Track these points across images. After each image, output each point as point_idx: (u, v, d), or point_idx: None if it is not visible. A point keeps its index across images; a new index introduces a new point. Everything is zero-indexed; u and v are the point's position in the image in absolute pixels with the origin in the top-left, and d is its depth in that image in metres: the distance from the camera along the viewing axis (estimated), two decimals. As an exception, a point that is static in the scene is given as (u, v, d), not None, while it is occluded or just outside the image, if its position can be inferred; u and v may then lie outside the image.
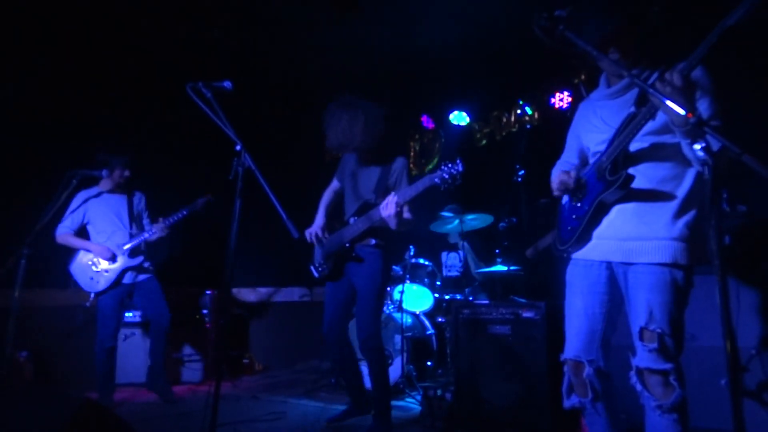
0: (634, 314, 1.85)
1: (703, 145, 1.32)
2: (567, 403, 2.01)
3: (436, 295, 4.83)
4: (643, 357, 1.79)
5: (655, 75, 1.84)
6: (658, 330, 1.76)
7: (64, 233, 4.06)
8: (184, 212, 4.15)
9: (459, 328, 3.37)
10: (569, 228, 2.02)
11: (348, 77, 5.96)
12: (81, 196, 4.11)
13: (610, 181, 1.84)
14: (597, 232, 1.96)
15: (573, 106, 5.23)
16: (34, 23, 4.53)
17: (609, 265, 1.95)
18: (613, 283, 1.96)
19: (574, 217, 2.01)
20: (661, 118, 1.76)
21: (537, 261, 4.00)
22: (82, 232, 4.16)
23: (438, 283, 4.96)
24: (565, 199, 2.12)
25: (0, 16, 4.32)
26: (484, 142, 6.05)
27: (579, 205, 2.00)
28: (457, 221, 4.78)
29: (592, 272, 1.97)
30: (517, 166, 4.70)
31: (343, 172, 3.42)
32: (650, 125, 1.77)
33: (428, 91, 6.30)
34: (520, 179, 4.67)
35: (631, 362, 1.84)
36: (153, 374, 4.15)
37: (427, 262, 4.92)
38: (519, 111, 5.67)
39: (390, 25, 5.09)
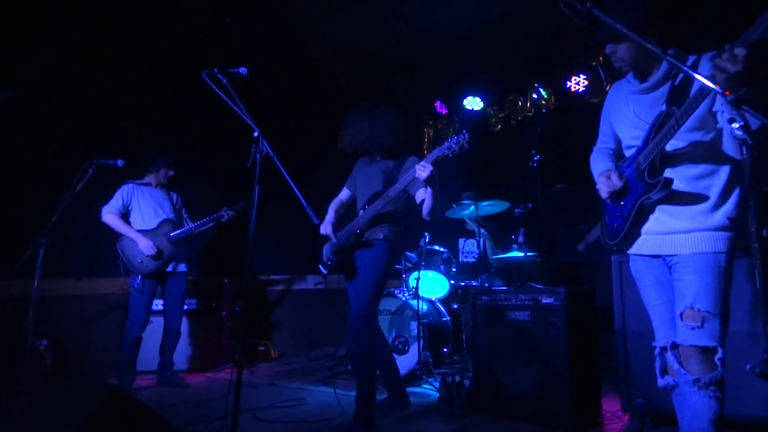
0: (679, 298, 1.87)
1: (741, 123, 1.27)
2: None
3: (452, 281, 4.81)
4: (686, 335, 1.82)
5: (690, 60, 1.86)
6: (703, 309, 1.78)
7: (111, 213, 4.17)
8: (231, 212, 4.36)
9: (477, 315, 3.35)
10: (616, 225, 2.09)
11: (361, 63, 5.91)
12: (129, 183, 4.28)
13: (650, 184, 1.89)
14: (644, 228, 2.02)
15: (590, 90, 5.15)
16: (49, 13, 4.52)
17: (663, 258, 2.00)
18: (666, 267, 2.00)
19: (619, 215, 2.07)
20: (695, 115, 1.77)
21: (588, 253, 3.97)
22: (124, 217, 4.25)
23: (453, 269, 4.94)
24: None
25: (18, 7, 4.32)
26: (499, 126, 5.98)
27: (623, 203, 2.05)
28: (473, 207, 4.75)
29: (655, 264, 2.03)
30: (533, 151, 4.65)
31: (354, 180, 3.47)
32: (685, 123, 1.78)
33: (441, 77, 6.24)
34: (535, 164, 4.62)
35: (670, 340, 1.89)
36: (161, 369, 4.28)
37: (442, 249, 4.89)
38: (535, 95, 5.60)
39: (402, 10, 5.02)
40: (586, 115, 5.16)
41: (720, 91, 1.34)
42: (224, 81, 2.46)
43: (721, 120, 1.76)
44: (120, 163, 3.89)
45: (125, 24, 4.88)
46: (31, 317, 3.41)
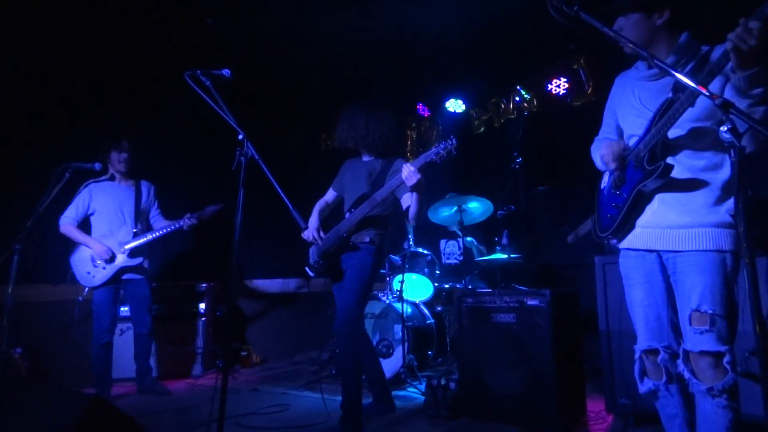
0: (683, 299, 1.82)
1: (729, 126, 1.28)
2: (642, 389, 2.00)
3: (436, 284, 4.81)
4: (695, 340, 1.76)
5: (704, 50, 1.82)
6: (710, 311, 1.73)
7: (67, 223, 4.03)
8: (193, 220, 4.10)
9: (462, 317, 3.35)
10: (609, 216, 2.02)
11: (344, 65, 5.89)
12: (87, 185, 4.11)
13: (648, 171, 1.83)
14: (641, 221, 1.95)
15: (571, 93, 5.20)
16: (24, 10, 4.40)
17: (658, 253, 1.94)
18: (663, 265, 1.95)
19: (613, 205, 2.00)
20: (700, 104, 1.72)
21: (576, 245, 3.98)
22: (86, 223, 4.12)
23: (437, 272, 4.93)
24: (605, 183, 2.11)
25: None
26: (482, 129, 6.01)
27: (618, 193, 1.99)
28: (455, 208, 4.75)
29: (646, 262, 1.97)
30: (515, 154, 4.67)
31: (341, 181, 3.43)
32: (689, 112, 1.73)
33: (423, 79, 6.24)
34: (518, 166, 4.65)
35: (680, 348, 1.85)
36: (139, 376, 4.18)
37: (426, 251, 4.89)
38: (517, 97, 5.63)
39: (385, 12, 5.01)
40: (567, 117, 5.22)
41: (707, 94, 1.35)
42: (207, 83, 2.42)
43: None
44: (97, 166, 3.81)
45: (105, 24, 4.78)
46: (5, 324, 3.31)
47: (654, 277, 1.95)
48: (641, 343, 1.98)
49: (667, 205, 1.87)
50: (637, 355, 2.01)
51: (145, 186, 4.33)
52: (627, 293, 2.05)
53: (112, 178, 4.21)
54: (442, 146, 2.80)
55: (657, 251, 1.93)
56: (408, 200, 3.04)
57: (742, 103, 1.59)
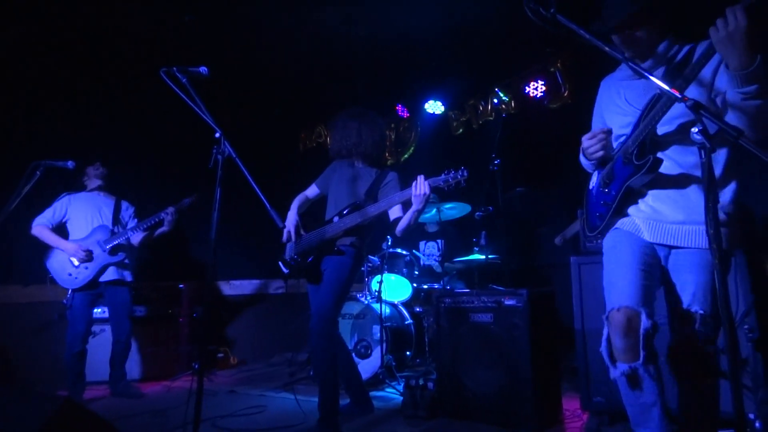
0: (672, 295, 1.81)
1: (700, 128, 1.31)
2: (615, 373, 1.75)
3: (414, 284, 4.82)
4: (679, 338, 1.77)
5: (685, 49, 1.82)
6: (700, 311, 1.73)
7: (41, 225, 3.97)
8: (171, 210, 4.01)
9: (440, 317, 3.36)
10: (598, 214, 2.00)
11: (323, 65, 5.87)
12: (65, 195, 4.09)
13: (637, 166, 1.79)
14: (632, 209, 1.91)
15: (548, 95, 5.27)
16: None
17: (650, 243, 1.88)
18: (655, 256, 1.87)
19: (602, 203, 1.98)
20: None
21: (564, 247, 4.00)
22: (61, 230, 4.06)
23: (416, 272, 4.95)
24: (593, 184, 2.10)
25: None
26: (461, 130, 6.04)
27: (606, 190, 1.96)
28: (434, 210, 4.77)
29: (637, 237, 1.88)
30: (493, 155, 4.70)
31: (328, 179, 3.41)
32: (678, 107, 1.72)
33: (403, 80, 6.26)
34: (496, 168, 4.68)
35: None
36: (113, 379, 4.12)
37: (404, 252, 4.90)
38: (495, 99, 5.68)
39: (364, 12, 5.01)
40: (544, 120, 5.28)
41: (679, 96, 1.38)
42: (184, 80, 2.38)
43: (720, 104, 1.72)
44: (70, 164, 3.74)
45: (81, 18, 4.69)
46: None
47: (644, 250, 1.84)
48: (618, 301, 1.74)
49: (660, 201, 1.85)
50: (606, 315, 1.77)
51: (125, 204, 4.31)
52: (613, 256, 1.88)
53: (95, 190, 4.19)
54: (452, 175, 2.78)
55: (650, 243, 1.87)
56: (397, 212, 3.05)
57: (736, 97, 1.59)
